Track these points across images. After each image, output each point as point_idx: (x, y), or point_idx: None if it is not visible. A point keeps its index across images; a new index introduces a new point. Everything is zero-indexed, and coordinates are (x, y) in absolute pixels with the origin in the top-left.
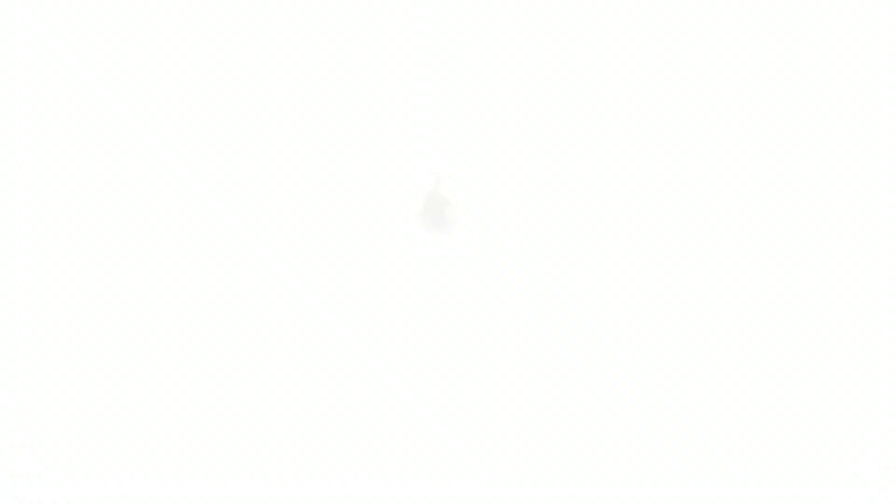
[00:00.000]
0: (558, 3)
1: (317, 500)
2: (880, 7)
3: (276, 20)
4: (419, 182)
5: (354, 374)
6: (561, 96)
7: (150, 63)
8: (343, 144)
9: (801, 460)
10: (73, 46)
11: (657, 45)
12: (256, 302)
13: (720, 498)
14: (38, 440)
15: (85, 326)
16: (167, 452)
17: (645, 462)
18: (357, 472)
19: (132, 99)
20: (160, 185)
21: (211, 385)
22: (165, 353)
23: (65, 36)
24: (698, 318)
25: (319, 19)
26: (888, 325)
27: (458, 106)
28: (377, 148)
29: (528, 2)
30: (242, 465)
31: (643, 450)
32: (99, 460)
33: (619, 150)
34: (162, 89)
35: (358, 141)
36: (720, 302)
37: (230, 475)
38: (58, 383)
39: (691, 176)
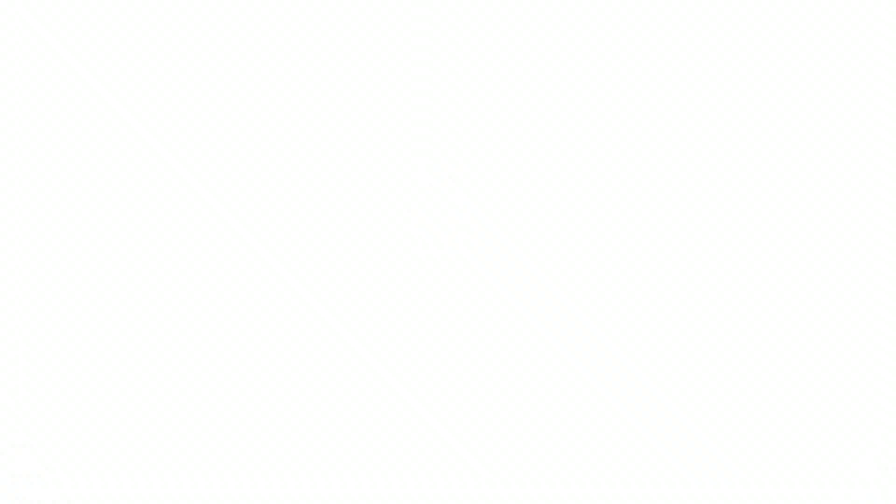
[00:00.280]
0: (558, 2)
1: (317, 500)
2: (880, 7)
3: (276, 20)
4: (419, 182)
5: (354, 374)
6: (561, 96)
7: (150, 63)
8: (343, 145)
9: (801, 460)
10: (72, 46)
11: (657, 46)
12: (256, 302)
13: (720, 498)
14: (38, 440)
15: (85, 326)
16: (167, 452)
17: (645, 462)
18: (357, 472)
19: (132, 99)
20: (160, 185)
21: (211, 385)
22: (165, 353)
23: (65, 36)
24: (698, 317)
25: (319, 19)
26: (888, 325)
27: (457, 106)
28: (377, 148)
29: (528, 2)
30: (242, 466)
31: (643, 450)
32: (99, 460)
33: (618, 150)
34: (162, 89)
35: (358, 141)
36: (720, 302)
37: (230, 475)
38: (58, 383)
39: (691, 176)
